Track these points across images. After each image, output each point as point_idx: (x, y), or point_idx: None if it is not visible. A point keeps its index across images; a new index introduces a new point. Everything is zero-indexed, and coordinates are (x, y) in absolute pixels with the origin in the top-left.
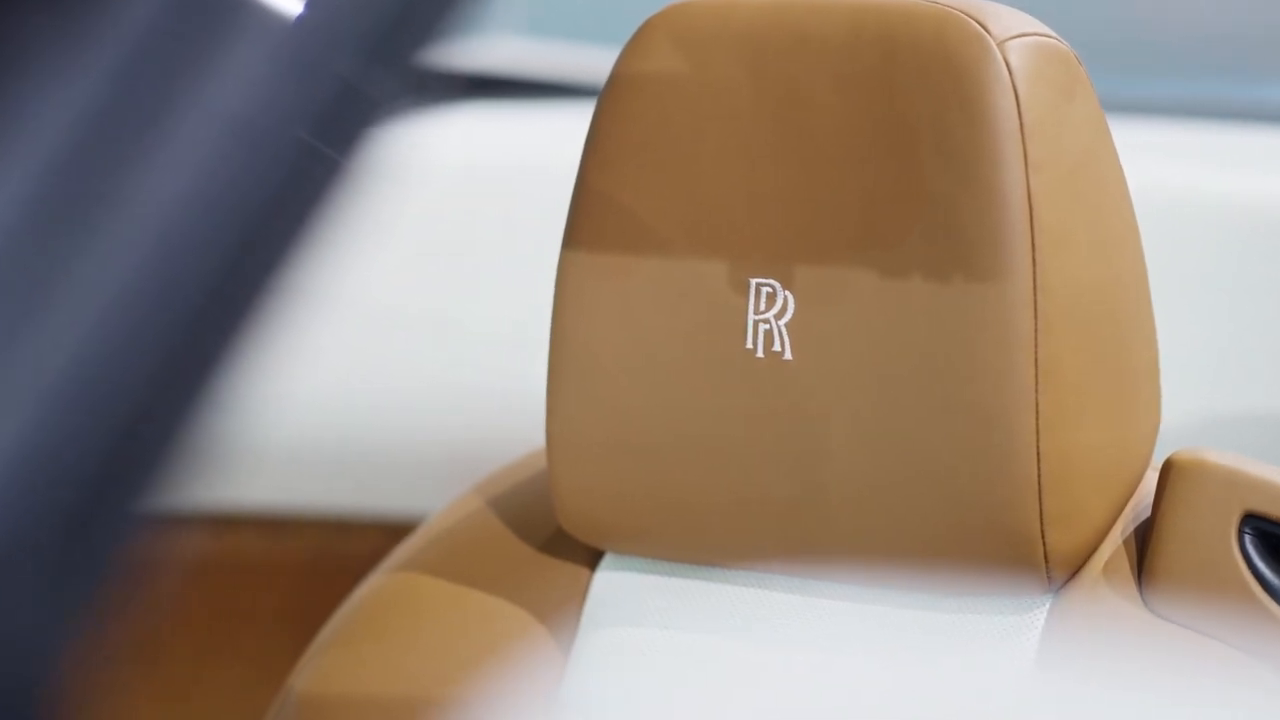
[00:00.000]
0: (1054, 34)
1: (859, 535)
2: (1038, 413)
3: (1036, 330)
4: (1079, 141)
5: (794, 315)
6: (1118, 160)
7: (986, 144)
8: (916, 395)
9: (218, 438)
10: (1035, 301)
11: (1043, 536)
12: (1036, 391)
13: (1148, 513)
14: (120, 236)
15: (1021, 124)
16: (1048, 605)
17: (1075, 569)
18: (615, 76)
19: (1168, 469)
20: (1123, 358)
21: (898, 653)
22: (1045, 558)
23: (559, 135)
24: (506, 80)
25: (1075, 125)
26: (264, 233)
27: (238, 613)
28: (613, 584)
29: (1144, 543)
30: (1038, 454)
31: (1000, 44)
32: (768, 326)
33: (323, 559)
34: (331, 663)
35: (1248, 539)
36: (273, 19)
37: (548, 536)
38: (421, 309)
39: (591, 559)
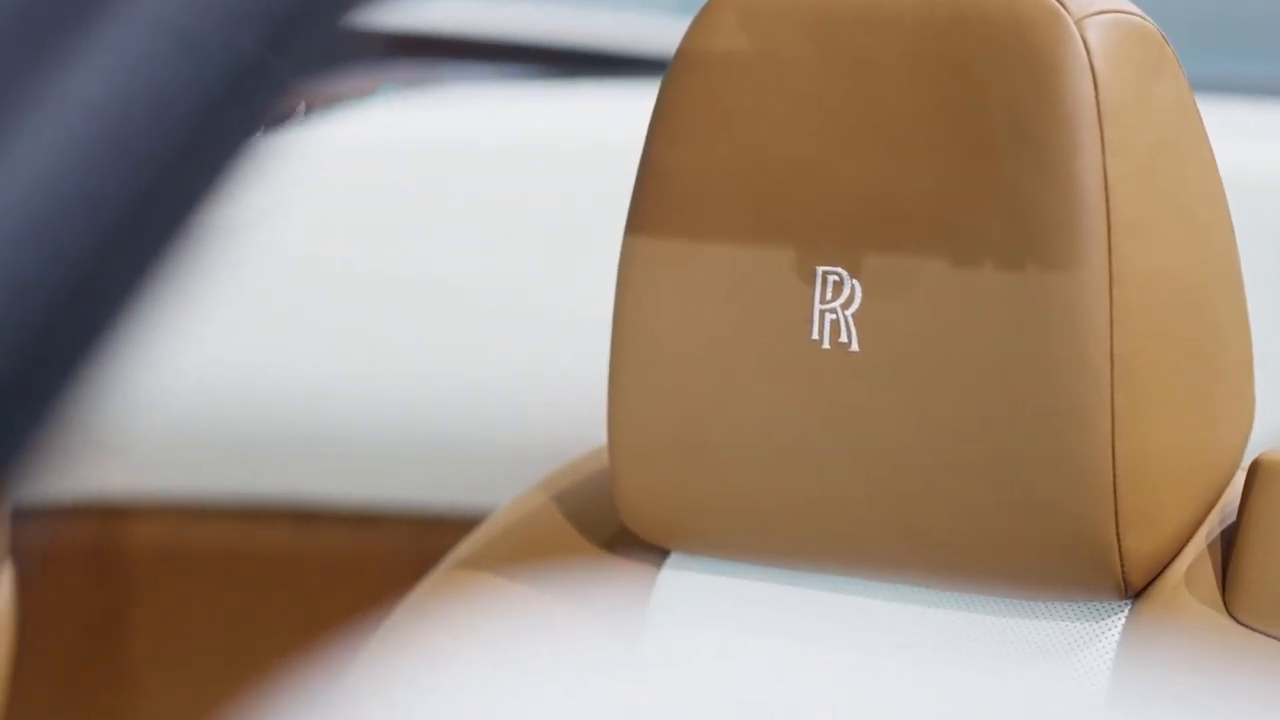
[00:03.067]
0: (1138, 10)
1: (926, 536)
2: (1113, 410)
3: (1112, 322)
4: (1162, 125)
5: (861, 305)
6: (1207, 145)
7: (1061, 127)
8: (986, 390)
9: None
10: (1110, 292)
11: (1118, 540)
12: (1112, 387)
13: (1234, 516)
14: (39, 143)
15: (1099, 106)
16: (1125, 612)
17: (1154, 575)
18: (681, 53)
19: (1254, 470)
20: (1208, 353)
21: (967, 659)
22: (1121, 562)
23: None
24: (450, 40)
25: (1158, 107)
26: (200, 148)
27: (323, 610)
28: (678, 583)
29: (1229, 548)
30: (1113, 453)
31: (1078, 21)
32: (834, 317)
33: (408, 555)
34: (392, 658)
35: None
36: None
37: (611, 534)
38: (489, 298)
39: (657, 557)
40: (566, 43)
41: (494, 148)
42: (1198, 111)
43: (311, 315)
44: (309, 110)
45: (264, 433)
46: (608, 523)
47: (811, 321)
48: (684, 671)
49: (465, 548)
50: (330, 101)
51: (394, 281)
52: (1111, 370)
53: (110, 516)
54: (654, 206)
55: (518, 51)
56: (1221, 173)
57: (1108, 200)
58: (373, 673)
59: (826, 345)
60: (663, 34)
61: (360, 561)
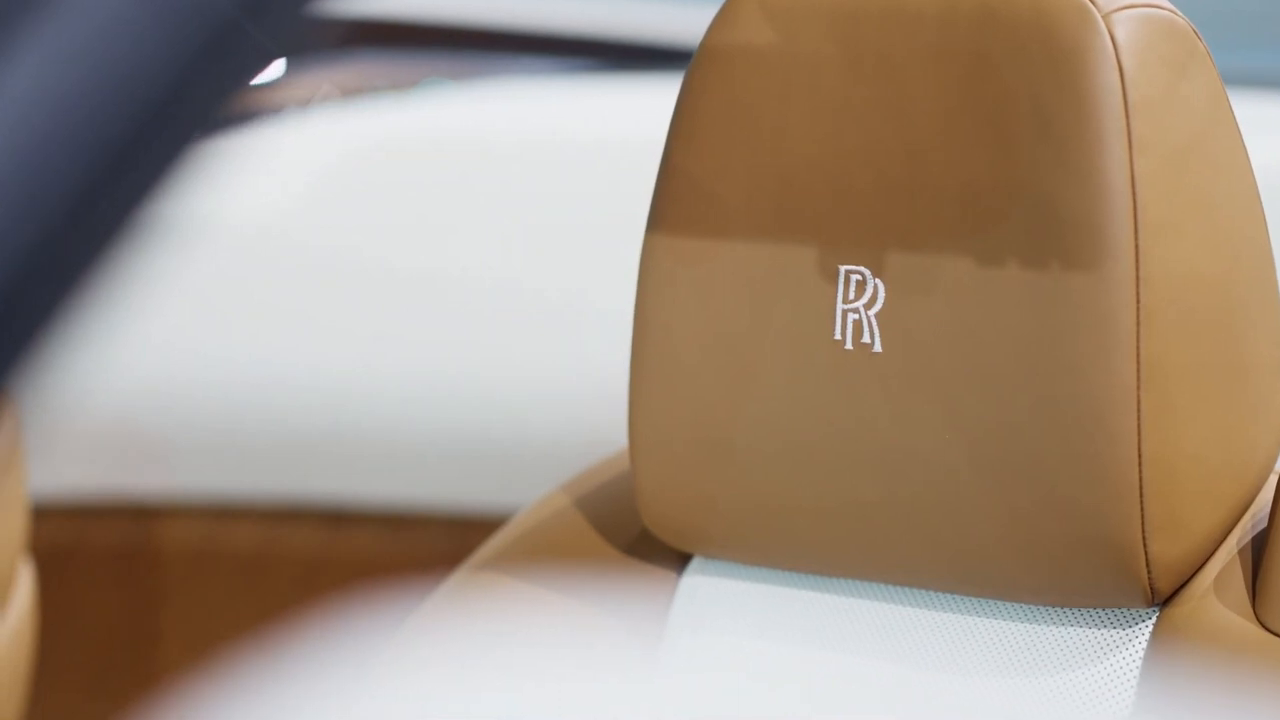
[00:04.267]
0: (1168, 5)
1: (950, 540)
2: (1139, 412)
3: (1138, 323)
4: (1191, 121)
5: (884, 305)
6: (1239, 142)
7: (1087, 123)
8: (1010, 392)
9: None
10: (1137, 292)
11: (1145, 545)
12: (1138, 389)
13: (1266, 522)
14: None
15: (1126, 102)
16: (1153, 619)
17: (1182, 581)
18: (703, 49)
19: None
20: (1238, 355)
21: (992, 666)
22: (1147, 568)
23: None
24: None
25: (1187, 104)
26: (170, 113)
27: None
28: (700, 589)
29: (1260, 554)
30: (1139, 456)
31: (1106, 16)
32: (857, 316)
33: (441, 556)
34: (410, 660)
35: None
36: None
37: (633, 538)
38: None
39: (678, 562)
40: (621, 35)
41: (541, 143)
42: (1230, 108)
43: (344, 315)
44: (330, 99)
45: (296, 433)
46: (630, 526)
47: (834, 321)
48: (704, 678)
49: (487, 550)
50: (367, 92)
51: (430, 280)
52: (1138, 372)
53: (141, 517)
54: (674, 204)
55: (570, 44)
56: (1255, 170)
57: (1134, 198)
58: (391, 674)
59: (849, 346)
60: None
61: (393, 563)
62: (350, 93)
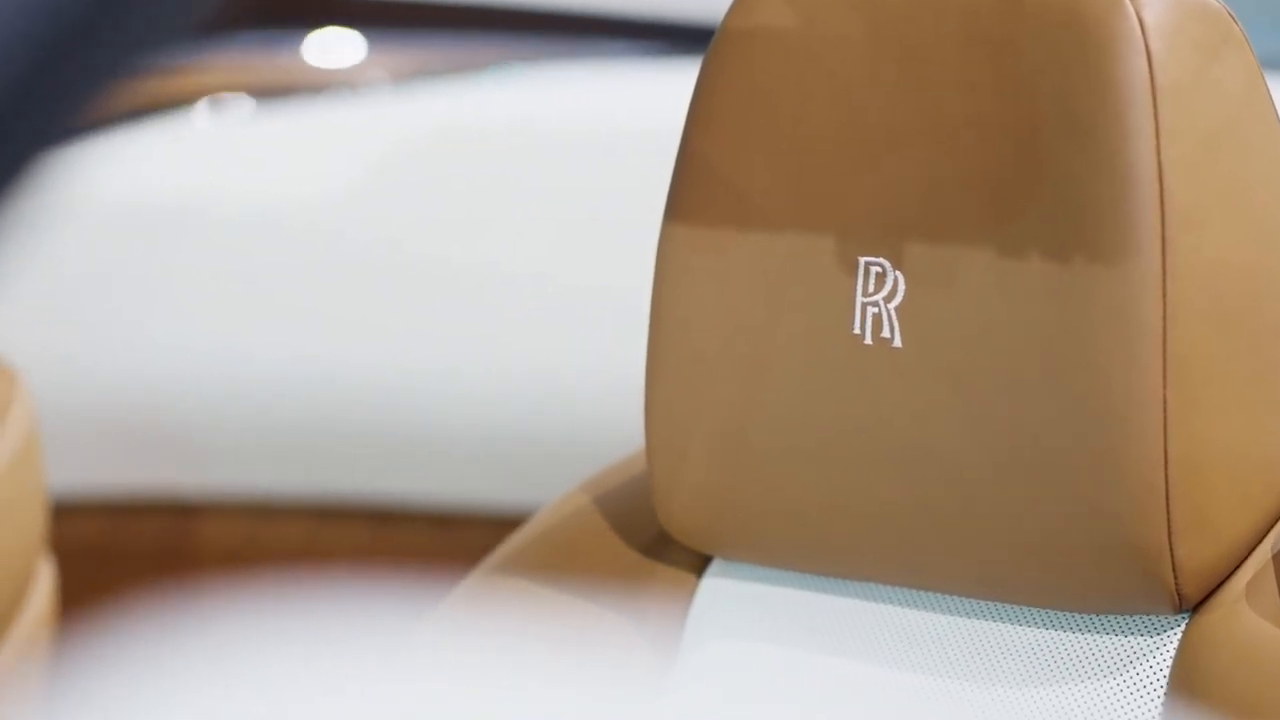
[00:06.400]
0: None
1: (972, 542)
2: (1165, 410)
3: (1165, 318)
4: (1223, 106)
5: (904, 299)
6: (1275, 127)
7: (1113, 110)
8: (1033, 389)
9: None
10: (1163, 286)
11: (1171, 550)
12: (1164, 387)
13: None
14: None
15: (1154, 88)
16: (1181, 627)
17: (1212, 587)
18: (723, 32)
19: None
20: (1271, 348)
21: (1013, 675)
22: (1174, 573)
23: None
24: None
25: (1219, 90)
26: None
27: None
28: (719, 592)
29: None
30: (1165, 456)
31: None
32: (876, 310)
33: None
34: (426, 661)
35: None
36: None
37: (652, 539)
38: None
39: (698, 563)
40: (696, 18)
41: (612, 130)
42: (1268, 95)
43: (390, 311)
44: (381, 83)
45: (340, 430)
46: (648, 526)
47: (853, 315)
48: (723, 684)
49: (503, 551)
50: (424, 75)
51: (477, 276)
52: (1164, 369)
53: (181, 515)
54: (692, 192)
55: (645, 28)
56: None
57: (1161, 187)
58: (404, 675)
59: (869, 340)
60: None
61: (440, 562)
62: (403, 77)
